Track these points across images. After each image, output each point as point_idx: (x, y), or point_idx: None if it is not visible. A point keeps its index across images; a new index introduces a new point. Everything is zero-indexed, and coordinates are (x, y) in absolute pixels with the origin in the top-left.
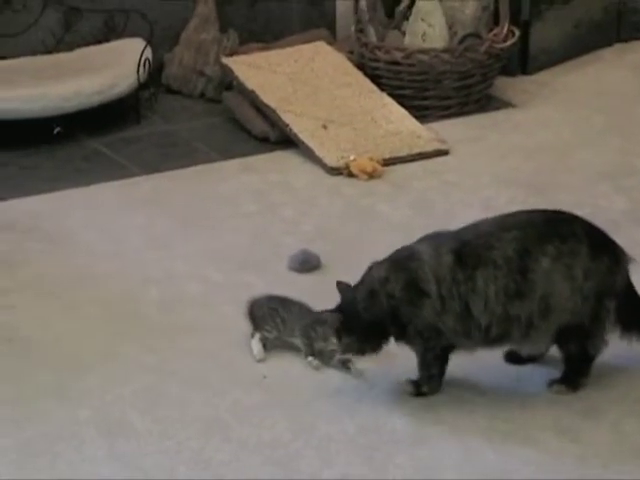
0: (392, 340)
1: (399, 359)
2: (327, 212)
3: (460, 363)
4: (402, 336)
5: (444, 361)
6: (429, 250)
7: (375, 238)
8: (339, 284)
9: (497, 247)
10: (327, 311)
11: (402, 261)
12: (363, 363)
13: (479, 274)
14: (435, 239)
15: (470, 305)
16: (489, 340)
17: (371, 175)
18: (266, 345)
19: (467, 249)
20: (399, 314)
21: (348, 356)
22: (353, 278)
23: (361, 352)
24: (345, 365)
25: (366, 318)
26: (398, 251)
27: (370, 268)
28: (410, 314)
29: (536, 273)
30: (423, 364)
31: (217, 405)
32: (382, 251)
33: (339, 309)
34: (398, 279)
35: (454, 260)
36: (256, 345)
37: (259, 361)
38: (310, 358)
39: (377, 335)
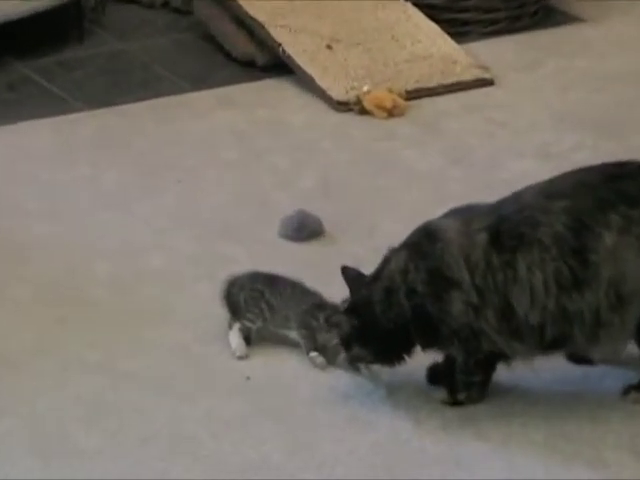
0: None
1: (427, 356)
2: (332, 161)
3: None
4: (432, 342)
5: (490, 368)
6: (457, 226)
7: (395, 196)
8: (345, 271)
9: (543, 222)
10: (335, 310)
11: (422, 244)
12: None
13: (520, 258)
14: (465, 213)
15: (511, 299)
16: (545, 344)
17: (391, 112)
18: (249, 338)
19: (505, 226)
20: (424, 315)
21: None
22: (366, 250)
23: (376, 364)
24: (354, 365)
25: (384, 324)
26: (417, 231)
27: (387, 258)
28: (438, 313)
29: (598, 253)
30: (463, 369)
31: (186, 415)
32: (405, 213)
33: (349, 310)
34: (419, 268)
35: (489, 240)
36: (235, 338)
37: (240, 358)
38: (313, 354)
39: (398, 345)
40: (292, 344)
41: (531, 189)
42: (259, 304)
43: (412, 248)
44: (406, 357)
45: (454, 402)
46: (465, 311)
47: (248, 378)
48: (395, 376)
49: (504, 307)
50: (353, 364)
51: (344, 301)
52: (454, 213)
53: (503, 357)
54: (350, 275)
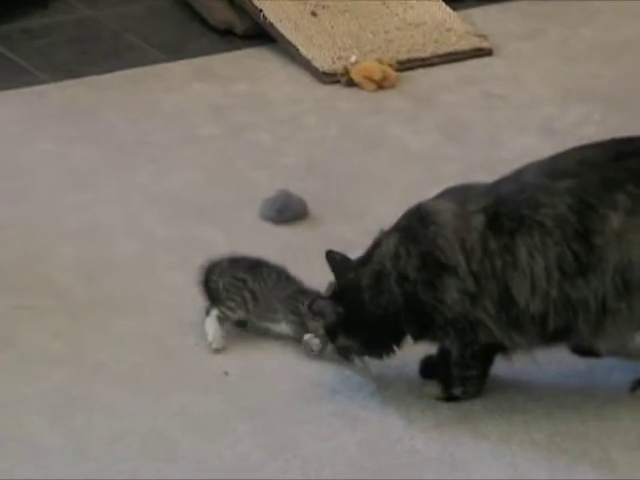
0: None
1: (420, 348)
2: (317, 137)
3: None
4: (425, 333)
5: (487, 361)
6: (451, 208)
7: (386, 175)
8: (330, 255)
9: (545, 203)
10: (318, 296)
11: (414, 227)
12: None
13: (520, 242)
14: (460, 193)
15: (511, 287)
16: (547, 336)
17: (380, 84)
18: (226, 327)
19: (504, 207)
20: (417, 303)
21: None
22: (354, 233)
23: (363, 355)
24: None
25: (372, 312)
26: (408, 213)
27: (377, 241)
28: (432, 301)
29: (604, 236)
30: (458, 362)
31: (158, 412)
32: (396, 194)
33: (334, 296)
34: (410, 253)
35: (486, 223)
36: (212, 327)
37: (216, 350)
38: (308, 336)
39: (387, 335)
40: (274, 337)
41: (532, 167)
42: (241, 292)
43: (403, 231)
44: (396, 349)
45: (449, 398)
46: (461, 300)
47: (226, 373)
48: (386, 370)
49: (503, 295)
50: (343, 354)
51: (329, 287)
52: (449, 193)
53: (501, 349)
54: (335, 260)
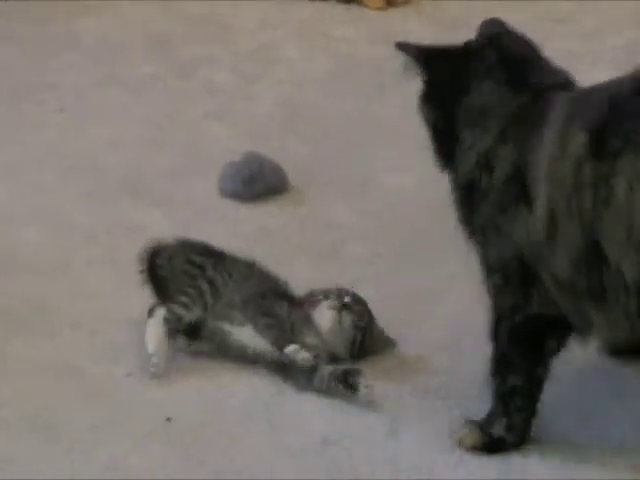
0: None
1: (446, 376)
2: (300, 76)
3: (569, 369)
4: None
5: (541, 350)
6: (561, 121)
7: (397, 129)
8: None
9: None
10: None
11: (532, 112)
12: (379, 381)
13: (619, 169)
14: (569, 102)
15: (600, 234)
16: None
17: (391, 1)
18: (175, 342)
19: (612, 122)
20: (474, 201)
21: (353, 368)
22: (351, 213)
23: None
24: (348, 383)
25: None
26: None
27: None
28: (489, 225)
29: None
30: (494, 365)
31: (79, 468)
32: (412, 156)
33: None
34: (505, 152)
35: (588, 145)
36: (155, 333)
37: (153, 372)
38: (292, 348)
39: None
40: (236, 352)
41: (620, 80)
42: (198, 283)
43: (520, 109)
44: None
45: (490, 443)
46: (526, 240)
47: (169, 419)
48: (399, 408)
49: (590, 246)
50: (345, 370)
51: (324, 292)
52: (570, 99)
53: (562, 336)
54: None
